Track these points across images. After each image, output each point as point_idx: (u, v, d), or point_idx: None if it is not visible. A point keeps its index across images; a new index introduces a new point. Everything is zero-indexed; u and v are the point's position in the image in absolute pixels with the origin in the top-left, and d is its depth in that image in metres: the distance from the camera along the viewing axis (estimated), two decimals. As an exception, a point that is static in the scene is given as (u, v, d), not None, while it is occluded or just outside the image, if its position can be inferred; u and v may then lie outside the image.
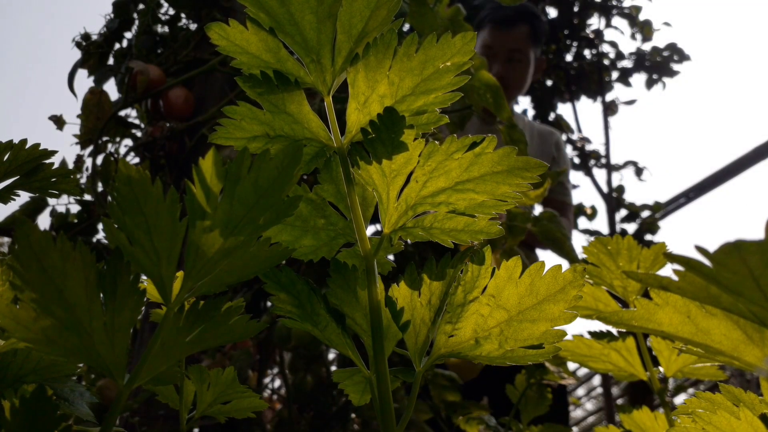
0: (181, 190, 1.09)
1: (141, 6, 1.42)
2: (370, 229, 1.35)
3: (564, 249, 0.99)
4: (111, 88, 1.63)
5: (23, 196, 0.43)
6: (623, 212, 3.40)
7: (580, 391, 4.42)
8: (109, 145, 1.37)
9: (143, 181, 0.28)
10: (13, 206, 1.37)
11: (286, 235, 0.36)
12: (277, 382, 1.69)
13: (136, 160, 1.27)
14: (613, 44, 3.57)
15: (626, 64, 3.59)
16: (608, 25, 3.51)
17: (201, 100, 1.29)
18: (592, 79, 3.48)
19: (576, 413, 4.52)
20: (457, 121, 1.04)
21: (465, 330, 0.35)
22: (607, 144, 3.46)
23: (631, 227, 3.34)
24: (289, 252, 0.32)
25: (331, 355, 1.36)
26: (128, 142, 1.38)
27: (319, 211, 0.36)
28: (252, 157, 0.29)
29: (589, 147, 3.49)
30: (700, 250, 0.21)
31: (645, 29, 3.53)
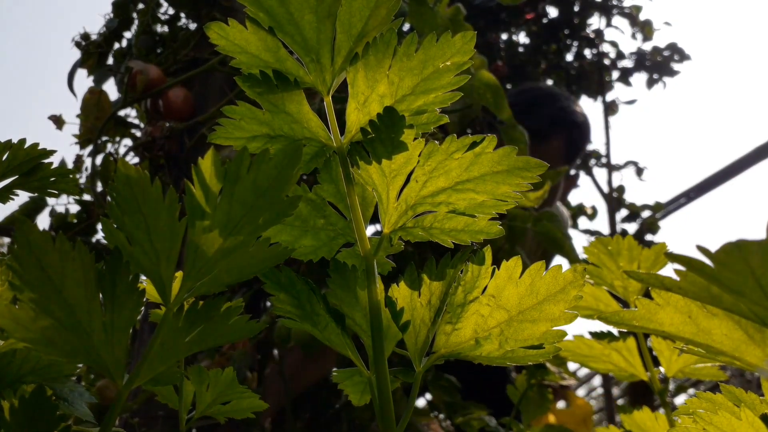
0: (181, 190, 1.09)
1: (140, 6, 1.42)
2: (370, 229, 1.35)
3: (565, 250, 0.99)
4: (110, 88, 1.63)
5: (22, 196, 0.43)
6: (624, 212, 3.39)
7: (581, 392, 4.42)
8: (109, 145, 1.37)
9: (142, 181, 0.28)
10: (13, 206, 1.37)
11: (285, 235, 0.36)
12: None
13: (136, 159, 1.27)
14: (614, 44, 3.56)
15: (627, 63, 3.59)
16: (609, 24, 3.51)
17: (201, 99, 1.28)
18: (593, 78, 3.48)
19: (576, 413, 4.51)
20: (457, 120, 1.04)
21: (465, 330, 0.35)
22: (607, 144, 3.46)
23: (632, 227, 3.34)
24: (289, 252, 0.32)
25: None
26: (128, 141, 1.38)
27: (319, 211, 0.36)
28: (251, 156, 0.29)
29: (589, 147, 3.48)
30: (702, 249, 0.21)
31: (645, 29, 3.52)
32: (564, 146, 1.40)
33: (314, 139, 0.35)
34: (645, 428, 0.49)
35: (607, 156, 3.44)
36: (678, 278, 0.24)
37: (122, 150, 1.38)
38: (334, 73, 0.34)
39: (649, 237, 3.21)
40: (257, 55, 0.33)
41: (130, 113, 1.40)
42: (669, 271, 0.40)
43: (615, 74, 3.62)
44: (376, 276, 0.35)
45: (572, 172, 1.54)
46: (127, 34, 1.45)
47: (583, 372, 3.79)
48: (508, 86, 3.17)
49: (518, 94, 1.55)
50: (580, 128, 1.42)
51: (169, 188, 0.29)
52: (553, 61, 3.54)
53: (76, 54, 1.42)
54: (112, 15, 1.43)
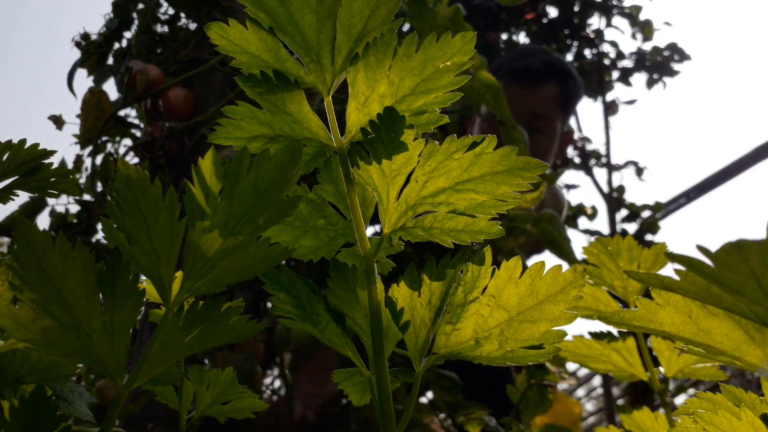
0: (181, 190, 1.09)
1: (140, 5, 1.42)
2: (371, 230, 1.34)
3: (563, 251, 0.99)
4: (110, 88, 1.63)
5: (22, 196, 0.43)
6: (624, 212, 3.39)
7: (581, 392, 4.42)
8: (109, 145, 1.37)
9: (142, 181, 0.28)
10: (13, 206, 1.37)
11: (285, 236, 0.36)
12: (277, 383, 1.69)
13: (136, 159, 1.27)
14: (614, 44, 3.56)
15: (627, 63, 3.59)
16: (609, 24, 3.51)
17: (201, 100, 1.28)
18: (593, 78, 3.48)
19: (576, 413, 4.50)
20: (458, 121, 1.04)
21: (465, 330, 0.35)
22: (607, 144, 3.46)
23: (632, 227, 3.33)
24: (289, 252, 0.32)
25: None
26: (127, 141, 1.38)
27: (319, 211, 0.36)
28: (251, 157, 0.29)
29: (589, 147, 3.48)
30: (702, 249, 0.21)
31: (645, 29, 3.52)
32: (559, 94, 1.37)
33: (314, 140, 0.35)
34: (645, 428, 0.49)
35: (607, 156, 3.44)
36: (678, 278, 0.24)
37: (122, 150, 1.38)
38: (335, 73, 0.34)
39: (649, 237, 3.21)
40: (257, 55, 0.33)
41: (130, 113, 1.41)
42: (669, 271, 0.40)
43: (615, 74, 3.62)
44: (376, 276, 0.35)
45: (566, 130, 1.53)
46: (127, 34, 1.45)
47: (583, 372, 3.79)
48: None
49: (515, 50, 1.61)
50: (575, 80, 1.40)
51: (169, 188, 0.29)
52: (553, 61, 3.53)
53: (76, 54, 1.42)
54: (112, 15, 1.43)
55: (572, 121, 3.53)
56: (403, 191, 0.35)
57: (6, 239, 1.22)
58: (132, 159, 1.28)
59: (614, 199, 3.33)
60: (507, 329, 0.34)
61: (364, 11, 0.32)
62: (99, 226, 1.19)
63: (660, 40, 3.94)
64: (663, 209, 3.38)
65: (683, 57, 3.56)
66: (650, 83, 3.57)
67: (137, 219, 0.29)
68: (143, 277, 0.30)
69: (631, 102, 3.62)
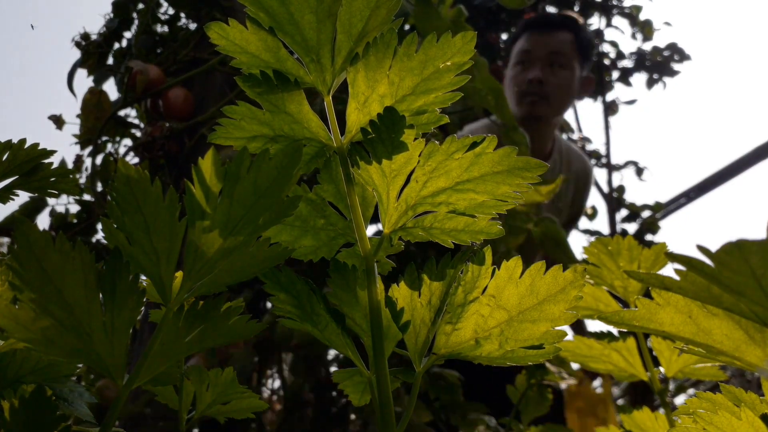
0: (181, 190, 1.08)
1: (140, 6, 1.42)
2: (371, 229, 1.34)
3: (567, 252, 0.99)
4: (110, 88, 1.63)
5: (22, 196, 0.43)
6: (624, 212, 3.40)
7: (580, 391, 4.41)
8: (109, 145, 1.37)
9: (142, 181, 0.28)
10: (13, 206, 1.37)
11: (285, 235, 0.36)
12: (277, 383, 1.69)
13: (136, 160, 1.27)
14: (614, 44, 3.57)
15: (627, 63, 3.59)
16: (609, 24, 3.51)
17: (201, 99, 1.28)
18: (593, 78, 3.48)
19: (576, 413, 4.49)
20: (458, 121, 1.04)
21: (465, 330, 0.35)
22: (607, 144, 3.46)
23: (632, 227, 3.33)
24: (289, 252, 0.32)
25: (331, 355, 1.36)
26: (128, 141, 1.39)
27: (319, 211, 0.36)
28: (251, 157, 0.29)
29: (589, 147, 3.49)
30: (702, 249, 0.21)
31: (645, 29, 3.52)
32: (574, 41, 1.51)
33: (314, 139, 0.35)
34: (645, 428, 0.49)
35: (607, 156, 3.44)
36: (678, 278, 0.24)
37: (122, 150, 1.38)
38: (335, 73, 0.34)
39: (649, 237, 3.21)
40: (257, 55, 0.33)
41: (130, 113, 1.41)
42: (669, 271, 0.39)
43: (615, 74, 3.62)
44: (377, 276, 0.34)
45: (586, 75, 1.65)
46: (127, 34, 1.45)
47: (583, 372, 3.77)
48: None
49: None
50: (587, 34, 1.55)
51: (169, 188, 0.29)
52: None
53: (76, 54, 1.42)
54: (112, 15, 1.43)
55: (572, 121, 3.53)
56: (404, 191, 0.35)
57: (6, 239, 1.22)
58: (132, 159, 1.28)
59: (614, 199, 3.33)
60: (507, 329, 0.34)
61: (364, 11, 0.32)
62: (99, 226, 1.19)
63: (660, 40, 3.94)
64: (663, 209, 3.38)
65: (683, 57, 3.56)
66: (650, 83, 3.57)
67: (137, 219, 0.29)
68: (143, 277, 0.30)
69: (631, 102, 3.62)
